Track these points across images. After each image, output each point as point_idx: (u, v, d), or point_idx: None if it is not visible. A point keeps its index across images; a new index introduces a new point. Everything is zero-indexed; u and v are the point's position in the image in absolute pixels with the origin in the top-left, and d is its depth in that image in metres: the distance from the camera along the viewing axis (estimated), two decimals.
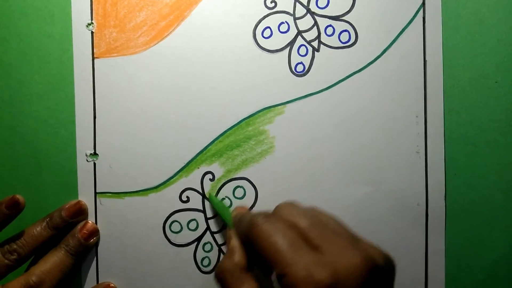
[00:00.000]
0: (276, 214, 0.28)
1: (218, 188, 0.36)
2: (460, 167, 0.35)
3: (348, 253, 0.24)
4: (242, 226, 0.29)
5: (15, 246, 0.33)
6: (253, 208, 0.36)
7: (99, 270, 0.36)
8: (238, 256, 0.29)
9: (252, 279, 0.27)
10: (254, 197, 0.36)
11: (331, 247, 0.24)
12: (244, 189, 0.36)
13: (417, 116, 0.35)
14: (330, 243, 0.25)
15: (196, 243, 0.36)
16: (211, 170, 0.36)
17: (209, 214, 0.36)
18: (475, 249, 0.35)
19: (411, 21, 0.35)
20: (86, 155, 0.36)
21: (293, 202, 0.29)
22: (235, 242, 0.30)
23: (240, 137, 0.36)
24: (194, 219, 0.36)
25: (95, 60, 0.36)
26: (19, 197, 0.33)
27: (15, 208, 0.33)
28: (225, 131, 0.36)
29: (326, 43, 0.36)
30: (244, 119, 0.36)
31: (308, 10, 0.36)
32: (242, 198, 0.36)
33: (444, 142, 0.35)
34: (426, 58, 0.35)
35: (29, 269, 0.34)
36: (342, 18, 0.35)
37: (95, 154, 0.36)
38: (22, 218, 0.34)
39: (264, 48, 0.36)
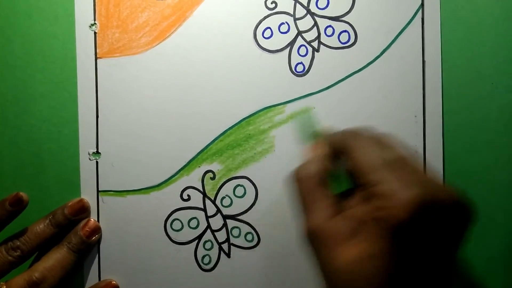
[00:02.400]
0: (375, 135, 0.28)
1: (218, 186, 0.37)
2: (458, 167, 0.35)
3: (439, 185, 0.24)
4: (343, 133, 0.28)
5: (18, 243, 0.34)
6: (253, 207, 0.36)
7: (101, 267, 0.37)
8: (321, 163, 0.28)
9: (330, 190, 0.27)
10: (254, 196, 0.36)
11: (421, 177, 0.24)
12: (244, 188, 0.36)
13: (415, 116, 0.36)
14: (420, 175, 0.24)
15: (196, 241, 0.37)
16: (212, 169, 0.37)
17: (210, 212, 0.37)
18: (472, 248, 0.35)
19: (410, 22, 0.36)
20: (89, 154, 0.37)
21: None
22: (321, 151, 0.29)
23: (240, 136, 0.36)
24: (195, 217, 0.37)
25: (98, 60, 0.37)
26: (23, 194, 0.34)
27: (18, 205, 0.34)
28: (226, 130, 0.36)
29: (326, 43, 0.36)
30: (244, 118, 0.36)
31: (308, 11, 0.36)
32: (242, 196, 0.36)
33: (443, 142, 0.35)
34: (425, 59, 0.35)
35: (32, 266, 0.34)
36: (342, 18, 0.36)
37: (97, 152, 0.37)
38: (26, 215, 0.35)
39: (265, 48, 0.36)
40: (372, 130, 0.28)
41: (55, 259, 0.34)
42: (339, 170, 0.29)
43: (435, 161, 0.35)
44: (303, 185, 0.27)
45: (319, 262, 0.25)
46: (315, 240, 0.25)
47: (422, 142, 0.36)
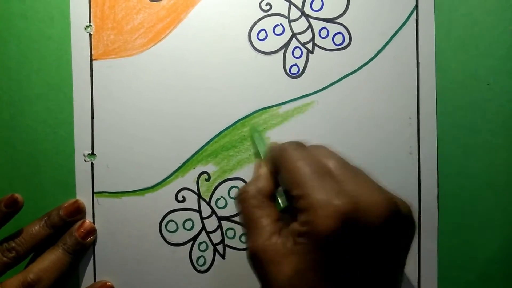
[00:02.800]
0: (307, 147, 0.28)
1: (213, 188, 0.37)
2: (452, 168, 0.35)
3: (372, 192, 0.23)
4: (273, 151, 0.28)
5: (13, 244, 0.34)
6: None
7: (96, 268, 0.37)
8: (263, 182, 0.28)
9: (273, 207, 0.27)
10: None
11: (356, 184, 0.24)
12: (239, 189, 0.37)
13: (410, 118, 0.36)
14: (355, 181, 0.24)
15: (191, 242, 0.37)
16: (207, 170, 0.37)
17: (205, 213, 0.37)
18: (468, 249, 0.35)
19: (404, 23, 0.36)
20: (84, 155, 0.37)
21: (325, 145, 0.29)
22: (263, 169, 0.29)
23: (235, 138, 0.37)
24: (189, 219, 0.37)
25: (93, 61, 0.37)
26: (18, 195, 0.34)
27: (13, 206, 0.34)
28: (221, 132, 0.37)
29: (320, 45, 0.36)
30: (239, 120, 0.36)
31: (303, 13, 0.36)
32: None
33: (437, 143, 0.35)
34: (419, 60, 0.35)
35: (27, 267, 0.34)
36: (336, 20, 0.36)
37: (92, 154, 0.37)
38: (21, 216, 0.35)
39: (259, 50, 0.36)
40: (305, 142, 0.28)
41: (50, 260, 0.34)
42: (281, 186, 0.29)
43: (429, 163, 0.35)
44: (245, 206, 0.27)
45: (262, 283, 0.25)
46: (257, 260, 0.25)
47: (417, 143, 0.36)
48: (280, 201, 0.28)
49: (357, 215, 0.22)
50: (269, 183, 0.28)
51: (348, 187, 0.23)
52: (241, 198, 0.28)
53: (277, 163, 0.27)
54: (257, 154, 0.34)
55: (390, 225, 0.23)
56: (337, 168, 0.25)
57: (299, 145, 0.27)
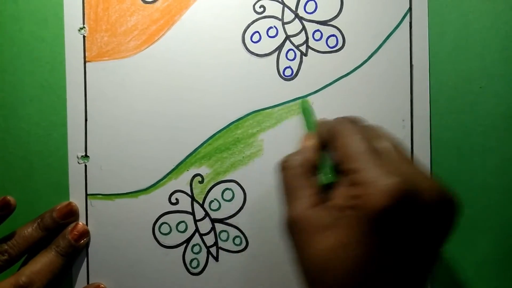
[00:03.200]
0: (364, 125, 0.27)
1: (207, 190, 0.37)
2: (445, 171, 0.35)
3: (426, 175, 0.23)
4: (328, 124, 0.28)
5: (6, 247, 0.34)
6: (241, 211, 0.36)
7: (89, 271, 0.37)
8: (308, 153, 0.28)
9: (316, 180, 0.26)
10: (242, 200, 0.36)
11: (410, 166, 0.23)
12: (232, 192, 0.37)
13: (403, 120, 0.36)
14: (409, 164, 0.24)
15: (185, 245, 0.37)
16: (200, 173, 0.37)
17: (198, 216, 0.37)
18: (460, 251, 0.35)
19: (398, 26, 0.36)
20: (77, 157, 0.37)
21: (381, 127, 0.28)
22: (310, 142, 0.29)
23: (229, 140, 0.37)
24: (183, 221, 0.37)
25: (86, 63, 0.37)
26: (10, 198, 0.34)
27: (6, 209, 0.34)
28: (214, 134, 0.37)
29: (314, 47, 0.36)
30: (233, 122, 0.36)
31: (296, 15, 0.36)
32: (230, 200, 0.37)
33: (430, 146, 0.35)
34: (413, 63, 0.36)
35: (20, 269, 0.34)
36: (330, 23, 0.36)
37: (86, 156, 0.37)
38: (14, 219, 0.35)
39: (253, 52, 0.36)
40: (362, 120, 0.28)
41: (42, 263, 0.34)
42: (327, 161, 0.29)
43: (423, 165, 0.35)
44: (287, 174, 0.27)
45: (296, 250, 0.25)
46: (295, 228, 0.25)
47: (410, 146, 0.36)
48: (324, 176, 0.28)
49: (412, 194, 0.22)
50: (314, 156, 0.28)
51: (403, 168, 0.23)
52: (285, 166, 0.27)
53: (331, 136, 0.27)
54: (306, 127, 0.33)
55: (440, 208, 0.23)
56: (392, 149, 0.25)
57: (356, 120, 0.27)
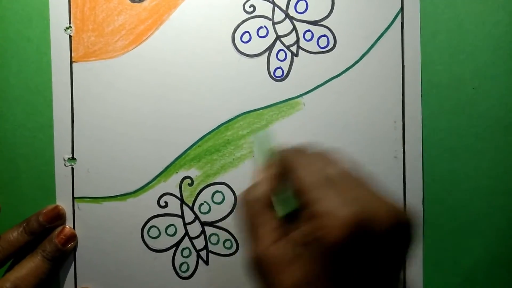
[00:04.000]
0: (309, 154, 0.27)
1: (196, 193, 0.36)
2: (437, 172, 0.35)
3: (377, 199, 0.23)
4: (285, 153, 0.28)
5: None
6: (232, 214, 0.36)
7: (77, 275, 0.36)
8: (262, 188, 0.27)
9: (273, 214, 0.26)
10: (233, 202, 0.36)
11: (360, 192, 0.23)
12: (223, 194, 0.36)
13: (395, 121, 0.35)
14: (359, 190, 0.24)
15: (174, 248, 0.36)
16: (190, 175, 0.36)
17: (188, 219, 0.36)
18: (453, 253, 0.35)
19: (389, 26, 0.35)
20: (64, 160, 0.36)
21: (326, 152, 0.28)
22: (264, 174, 0.28)
23: (219, 142, 0.36)
24: (172, 225, 0.36)
25: (73, 64, 0.36)
26: None
27: None
28: (204, 136, 0.36)
29: (304, 48, 0.36)
30: (223, 123, 0.36)
31: (287, 15, 0.36)
32: (221, 203, 0.36)
33: (422, 147, 0.35)
34: (404, 63, 0.35)
35: (5, 275, 0.33)
36: (321, 23, 0.35)
37: (73, 158, 0.36)
38: None
39: (243, 52, 0.36)
40: (317, 147, 0.28)
41: (28, 268, 0.33)
42: (286, 190, 0.28)
43: (414, 167, 0.35)
44: (248, 209, 0.27)
45: None
46: (260, 267, 0.24)
47: (402, 147, 0.35)
48: (282, 207, 0.27)
49: (365, 223, 0.22)
50: (274, 186, 0.27)
51: (358, 194, 0.23)
52: (245, 201, 0.27)
53: (288, 166, 0.26)
54: (258, 158, 0.33)
55: (396, 233, 0.23)
56: (341, 177, 0.25)
57: (300, 151, 0.27)
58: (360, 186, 0.24)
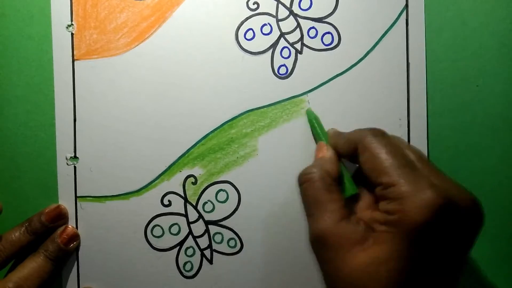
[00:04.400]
0: (389, 136, 0.27)
1: (200, 191, 0.36)
2: (442, 170, 0.35)
3: (457, 186, 0.24)
4: (353, 135, 0.28)
5: None
6: (236, 212, 0.36)
7: (80, 275, 0.36)
8: (329, 165, 0.28)
9: (340, 192, 0.26)
10: (237, 201, 0.36)
11: (440, 178, 0.24)
12: (227, 193, 0.36)
13: (400, 119, 0.35)
14: (440, 176, 0.24)
15: (178, 247, 0.36)
16: (193, 174, 0.36)
17: (191, 218, 0.36)
18: None
19: (394, 23, 0.35)
20: (66, 159, 0.36)
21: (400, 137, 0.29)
22: (329, 152, 0.29)
23: (222, 140, 0.36)
24: (176, 223, 0.36)
25: (75, 62, 0.36)
26: None
27: None
28: (208, 134, 0.36)
29: (309, 45, 0.35)
30: (226, 121, 0.36)
31: (291, 12, 0.35)
32: (225, 201, 0.36)
33: (427, 144, 0.35)
34: (409, 61, 0.35)
35: (7, 275, 0.33)
36: (325, 20, 0.35)
37: (75, 157, 0.36)
38: (1, 223, 0.34)
39: (247, 50, 0.35)
40: (383, 132, 0.28)
41: (31, 268, 0.33)
42: (347, 172, 0.29)
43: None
44: (309, 188, 0.27)
45: (327, 267, 0.24)
46: (324, 245, 0.24)
47: None
48: (349, 187, 0.28)
49: (448, 206, 0.22)
50: (335, 167, 0.28)
51: (434, 180, 0.24)
52: (307, 178, 0.27)
53: (352, 148, 0.27)
54: (318, 137, 0.33)
55: (473, 215, 0.23)
56: (420, 161, 0.25)
57: (380, 132, 0.27)
58: (435, 171, 0.25)
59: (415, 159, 0.25)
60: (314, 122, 0.34)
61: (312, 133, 0.34)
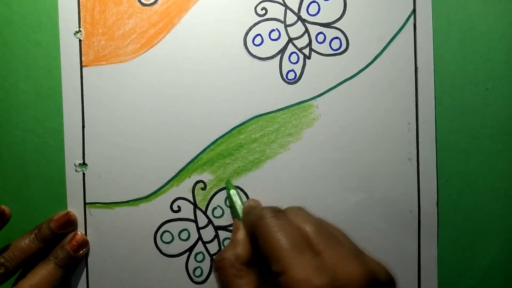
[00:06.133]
0: (285, 214, 0.27)
1: (209, 197, 0.36)
2: (451, 174, 0.35)
3: (350, 263, 0.23)
4: (250, 217, 0.28)
5: (2, 260, 0.33)
6: None
7: (89, 282, 0.36)
8: (241, 248, 0.28)
9: (252, 274, 0.27)
10: None
11: (333, 255, 0.24)
12: None
13: (408, 123, 0.35)
14: (334, 251, 0.24)
15: (188, 253, 0.36)
16: (203, 179, 0.36)
17: (201, 223, 0.36)
18: (467, 255, 0.35)
19: (402, 27, 0.35)
20: (75, 165, 0.36)
21: (302, 207, 0.29)
22: (241, 234, 0.29)
23: (231, 146, 0.36)
24: (185, 229, 0.36)
25: (83, 68, 0.36)
26: (5, 208, 0.33)
27: (0, 219, 0.32)
28: (217, 140, 0.36)
29: (317, 50, 0.35)
30: (235, 127, 0.36)
31: (299, 17, 0.35)
32: None
33: (436, 149, 0.35)
34: (418, 65, 0.35)
35: (17, 283, 0.33)
36: (333, 25, 0.35)
37: (84, 164, 0.36)
38: (10, 230, 0.34)
39: (255, 55, 0.35)
40: (278, 210, 0.28)
41: (41, 275, 0.33)
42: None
43: (428, 168, 0.35)
44: (222, 275, 0.27)
45: None
46: None
47: (416, 149, 0.35)
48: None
49: None
50: (246, 249, 0.28)
51: (326, 259, 0.23)
52: (219, 266, 0.28)
53: (255, 230, 0.27)
54: (234, 213, 0.34)
55: None
56: (315, 235, 0.25)
57: (275, 212, 0.27)
58: (335, 245, 0.25)
59: (311, 233, 0.25)
60: (231, 196, 0.34)
61: (229, 206, 0.35)
